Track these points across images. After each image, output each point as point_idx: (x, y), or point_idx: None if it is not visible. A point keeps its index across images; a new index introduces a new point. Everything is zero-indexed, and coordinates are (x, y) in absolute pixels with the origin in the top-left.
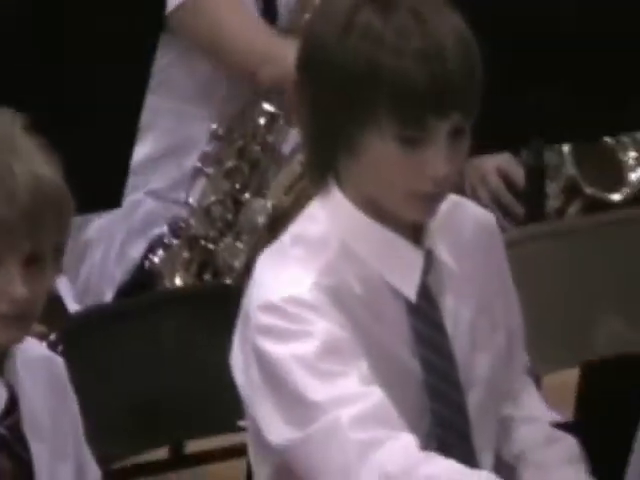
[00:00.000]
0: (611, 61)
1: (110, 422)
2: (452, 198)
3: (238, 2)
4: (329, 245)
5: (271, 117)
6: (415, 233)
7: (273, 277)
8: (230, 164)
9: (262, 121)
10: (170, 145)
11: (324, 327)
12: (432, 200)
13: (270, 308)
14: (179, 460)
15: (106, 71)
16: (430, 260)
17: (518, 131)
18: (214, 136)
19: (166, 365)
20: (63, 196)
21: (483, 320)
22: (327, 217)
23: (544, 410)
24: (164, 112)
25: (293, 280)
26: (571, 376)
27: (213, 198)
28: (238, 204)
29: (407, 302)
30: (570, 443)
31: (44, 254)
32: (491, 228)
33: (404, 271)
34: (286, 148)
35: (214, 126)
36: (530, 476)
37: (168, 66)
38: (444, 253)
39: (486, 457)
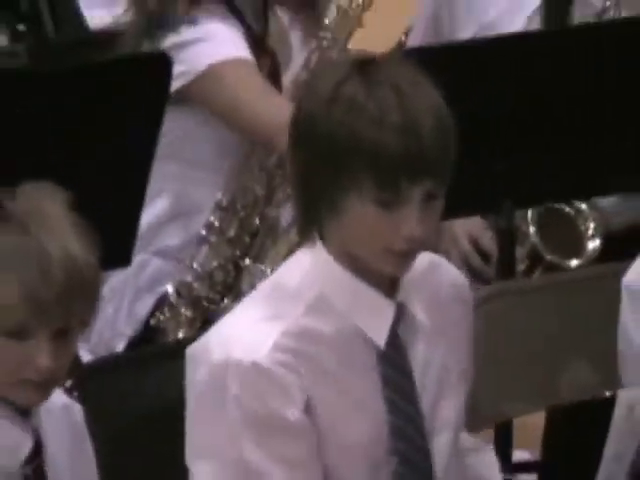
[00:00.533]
0: (577, 131)
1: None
2: (432, 258)
3: (255, 72)
4: (303, 297)
5: (271, 190)
6: (390, 287)
7: (238, 333)
8: (232, 233)
9: (262, 194)
10: (178, 209)
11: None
12: (406, 257)
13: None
14: None
15: (117, 139)
16: (402, 312)
17: (489, 195)
18: (218, 206)
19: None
20: (96, 275)
21: (450, 370)
22: (309, 267)
23: (495, 464)
24: (174, 177)
25: (255, 342)
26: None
27: (215, 263)
28: (238, 269)
29: (377, 349)
30: None
31: (73, 328)
32: (465, 289)
33: (376, 321)
34: (285, 219)
35: (219, 196)
36: None
37: (183, 135)
38: (417, 307)
39: None
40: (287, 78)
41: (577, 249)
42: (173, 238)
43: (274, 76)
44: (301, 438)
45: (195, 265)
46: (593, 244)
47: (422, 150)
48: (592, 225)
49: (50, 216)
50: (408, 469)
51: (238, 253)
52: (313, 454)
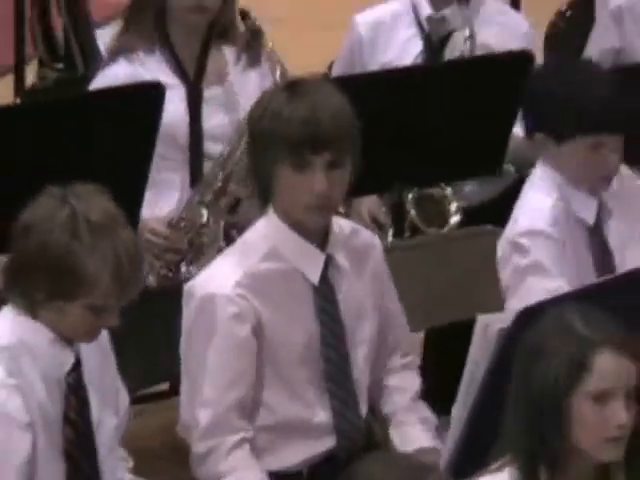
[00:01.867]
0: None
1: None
2: (353, 225)
3: None
4: (259, 249)
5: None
6: (322, 242)
7: (209, 271)
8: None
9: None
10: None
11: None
12: (321, 210)
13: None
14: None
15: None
16: (330, 260)
17: (383, 179)
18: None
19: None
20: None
21: (367, 302)
22: (264, 229)
23: (413, 383)
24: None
25: (225, 273)
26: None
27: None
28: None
29: (313, 286)
30: (425, 411)
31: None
32: (376, 244)
33: (312, 265)
34: None
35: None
36: (394, 431)
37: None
38: (342, 257)
39: (363, 404)
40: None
41: (443, 222)
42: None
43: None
44: (249, 352)
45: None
46: (455, 218)
47: (319, 133)
48: (454, 205)
49: (116, 212)
50: (332, 368)
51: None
52: (252, 365)
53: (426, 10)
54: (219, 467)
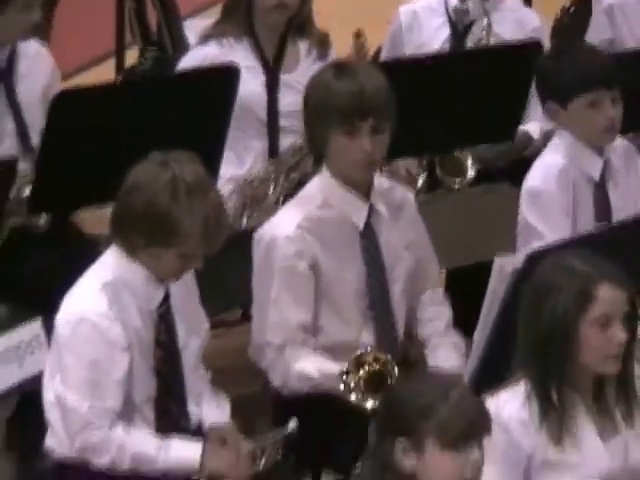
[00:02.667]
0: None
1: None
2: (391, 182)
3: None
4: (315, 200)
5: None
6: (366, 194)
7: (274, 219)
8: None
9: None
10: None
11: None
12: (367, 166)
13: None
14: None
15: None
16: (372, 209)
17: (418, 145)
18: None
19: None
20: None
21: (402, 246)
22: (318, 184)
23: (446, 313)
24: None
25: (287, 219)
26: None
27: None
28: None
29: (358, 230)
30: (456, 337)
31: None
32: (410, 198)
33: (357, 213)
34: None
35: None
36: (429, 353)
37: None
38: (381, 207)
39: (400, 327)
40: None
41: (462, 175)
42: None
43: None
44: (308, 283)
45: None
46: (471, 172)
47: (364, 102)
48: (470, 161)
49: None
50: (375, 299)
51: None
52: (311, 294)
53: (453, 2)
54: (293, 364)
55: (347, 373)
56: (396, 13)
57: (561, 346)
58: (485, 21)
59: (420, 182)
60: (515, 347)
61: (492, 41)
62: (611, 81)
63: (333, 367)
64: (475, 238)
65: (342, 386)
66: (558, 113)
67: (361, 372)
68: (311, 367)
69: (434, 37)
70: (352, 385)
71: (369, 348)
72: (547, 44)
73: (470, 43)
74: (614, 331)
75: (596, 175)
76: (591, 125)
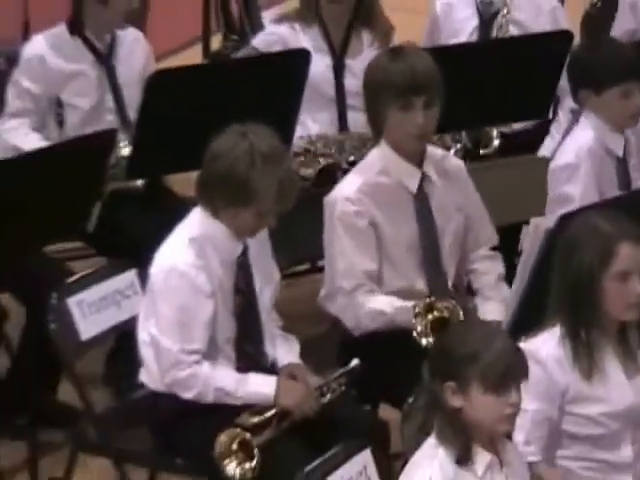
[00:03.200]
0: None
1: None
2: (443, 151)
3: None
4: (374, 167)
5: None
6: (419, 163)
7: (340, 185)
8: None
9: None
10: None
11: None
12: (420, 138)
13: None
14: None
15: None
16: (425, 176)
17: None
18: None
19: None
20: None
21: (452, 207)
22: (377, 154)
23: (497, 268)
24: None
25: (349, 183)
26: None
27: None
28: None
29: (412, 194)
30: (505, 291)
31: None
32: (461, 166)
33: (411, 179)
34: None
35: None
36: (480, 302)
37: None
38: (433, 174)
39: (449, 277)
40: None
41: (489, 143)
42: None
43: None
44: (369, 238)
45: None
46: (496, 142)
47: (417, 80)
48: (495, 132)
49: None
50: (427, 254)
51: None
52: (373, 248)
53: None
54: (366, 304)
55: (418, 315)
56: (434, 4)
57: (587, 296)
58: (505, 10)
59: (452, 152)
60: (547, 298)
61: (512, 28)
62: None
63: (406, 303)
64: (511, 202)
65: (413, 318)
66: (589, 99)
67: (430, 316)
68: (384, 303)
69: (465, 25)
70: (420, 324)
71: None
72: (563, 23)
73: (495, 31)
74: (633, 284)
75: (620, 152)
76: (621, 112)
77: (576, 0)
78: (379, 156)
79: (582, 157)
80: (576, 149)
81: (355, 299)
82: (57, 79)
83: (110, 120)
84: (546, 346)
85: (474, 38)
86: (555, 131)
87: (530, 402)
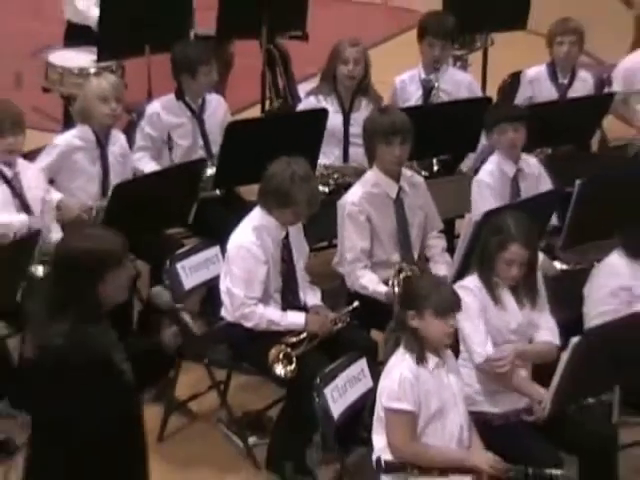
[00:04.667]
0: None
1: None
2: (412, 172)
3: None
4: (369, 182)
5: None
6: (397, 180)
7: (347, 193)
8: None
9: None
10: None
11: None
12: (398, 165)
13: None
14: None
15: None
16: (400, 188)
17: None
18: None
19: None
20: None
21: (417, 207)
22: (369, 175)
23: (443, 243)
24: None
25: (353, 193)
26: None
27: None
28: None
29: (393, 200)
30: (448, 258)
31: None
32: (422, 181)
33: (392, 190)
34: None
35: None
36: (432, 265)
37: None
38: (406, 187)
39: (415, 251)
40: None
41: (431, 168)
42: None
43: (345, 121)
44: (366, 228)
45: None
46: (436, 167)
47: (396, 126)
48: (435, 160)
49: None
50: (402, 236)
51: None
52: (368, 232)
53: (423, 75)
54: (360, 279)
55: (394, 276)
56: (394, 81)
57: (486, 265)
58: (437, 84)
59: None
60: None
61: (441, 95)
62: (513, 119)
63: (382, 288)
64: (451, 204)
65: (384, 297)
66: (491, 138)
67: (401, 275)
68: (371, 282)
69: (414, 95)
70: (395, 285)
71: (405, 265)
72: (478, 92)
73: (433, 98)
74: (513, 269)
75: (512, 173)
76: (503, 144)
77: (496, 78)
78: (372, 175)
79: (491, 177)
80: (487, 171)
81: (354, 271)
82: (167, 128)
83: (201, 154)
84: (472, 283)
85: (419, 103)
86: (472, 155)
87: (467, 322)
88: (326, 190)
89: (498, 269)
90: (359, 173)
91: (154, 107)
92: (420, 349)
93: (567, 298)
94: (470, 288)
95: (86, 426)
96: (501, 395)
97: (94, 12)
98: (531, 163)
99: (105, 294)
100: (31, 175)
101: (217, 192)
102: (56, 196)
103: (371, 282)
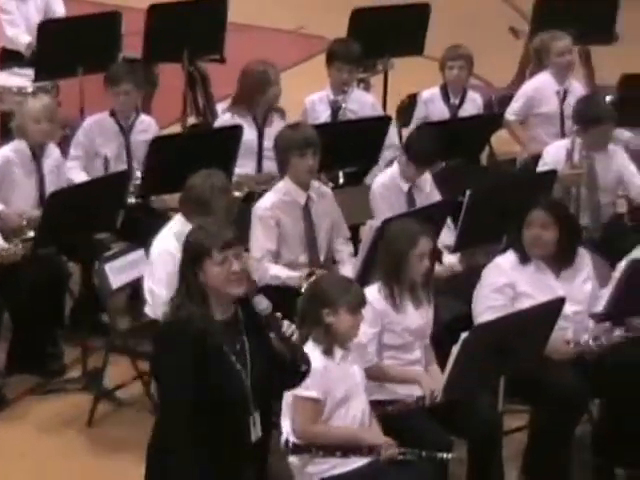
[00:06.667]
0: None
1: None
2: (319, 183)
3: None
4: (281, 191)
5: None
6: (306, 188)
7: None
8: None
9: None
10: None
11: None
12: (310, 175)
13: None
14: None
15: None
16: (309, 196)
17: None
18: None
19: None
20: None
21: (324, 214)
22: (283, 183)
23: (349, 249)
24: None
25: (266, 200)
26: None
27: None
28: None
29: (300, 206)
30: (352, 261)
31: None
32: (329, 191)
33: (301, 198)
34: None
35: None
36: (340, 266)
37: None
38: (314, 195)
39: (322, 254)
40: None
41: (337, 181)
42: None
43: (258, 136)
44: (274, 231)
45: None
46: (342, 180)
47: (308, 140)
48: (341, 173)
49: None
50: (310, 239)
51: None
52: (275, 237)
53: (331, 96)
54: (270, 271)
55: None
56: (304, 101)
57: (398, 266)
58: (344, 105)
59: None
60: (376, 266)
61: (348, 114)
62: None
63: (294, 274)
64: (356, 211)
65: (298, 280)
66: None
67: (311, 278)
68: (280, 271)
69: (323, 114)
70: (305, 283)
71: (316, 270)
72: (380, 110)
73: (341, 117)
74: (425, 262)
75: (405, 188)
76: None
77: (395, 99)
78: (283, 185)
79: (385, 188)
80: (382, 182)
81: (262, 265)
82: (99, 141)
83: (124, 167)
84: (371, 292)
85: (328, 121)
86: (376, 169)
87: (365, 326)
88: (240, 196)
89: (410, 267)
90: (271, 181)
91: (89, 121)
92: (329, 342)
93: (461, 295)
94: (369, 300)
95: (168, 397)
96: (394, 385)
97: (23, 39)
98: (426, 179)
99: (207, 282)
100: None
101: (140, 200)
102: None
103: (281, 270)
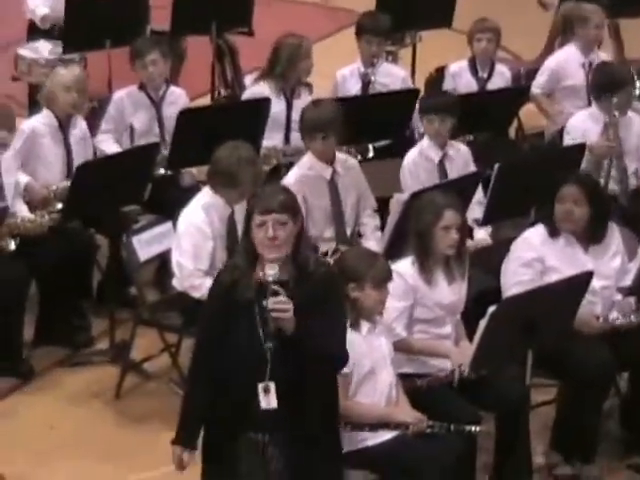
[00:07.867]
0: None
1: None
2: (346, 155)
3: None
4: (305, 165)
5: None
6: (331, 164)
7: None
8: None
9: None
10: None
11: None
12: (322, 157)
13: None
14: None
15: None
16: (334, 170)
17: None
18: None
19: None
20: None
21: (351, 187)
22: (307, 157)
23: (376, 222)
24: None
25: (291, 175)
26: None
27: None
28: None
29: (327, 181)
30: (379, 235)
31: None
32: (356, 164)
33: (326, 172)
34: None
35: None
36: (364, 241)
37: None
38: (339, 169)
39: (349, 229)
40: None
41: (366, 153)
42: None
43: (287, 108)
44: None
45: None
46: (371, 153)
47: (317, 125)
48: (371, 147)
49: None
50: (335, 213)
51: None
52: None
53: (362, 69)
54: None
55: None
56: (336, 75)
57: (424, 239)
58: (374, 78)
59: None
60: (405, 239)
61: (378, 87)
62: (440, 110)
63: None
64: (386, 183)
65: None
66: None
67: (336, 254)
68: None
69: (354, 87)
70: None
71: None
72: (411, 84)
73: (371, 90)
74: (452, 234)
75: (436, 159)
76: (429, 133)
77: (423, 71)
78: (307, 159)
79: (416, 162)
80: (411, 157)
81: None
82: (129, 114)
83: (155, 139)
84: (403, 265)
85: (359, 93)
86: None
87: (394, 301)
88: (267, 169)
89: (437, 240)
90: (299, 152)
91: (120, 95)
92: (355, 316)
93: (489, 268)
94: (401, 273)
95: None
96: (424, 358)
97: (40, 11)
98: (461, 149)
99: (255, 240)
100: (5, 160)
101: (169, 172)
102: (23, 179)
103: None
